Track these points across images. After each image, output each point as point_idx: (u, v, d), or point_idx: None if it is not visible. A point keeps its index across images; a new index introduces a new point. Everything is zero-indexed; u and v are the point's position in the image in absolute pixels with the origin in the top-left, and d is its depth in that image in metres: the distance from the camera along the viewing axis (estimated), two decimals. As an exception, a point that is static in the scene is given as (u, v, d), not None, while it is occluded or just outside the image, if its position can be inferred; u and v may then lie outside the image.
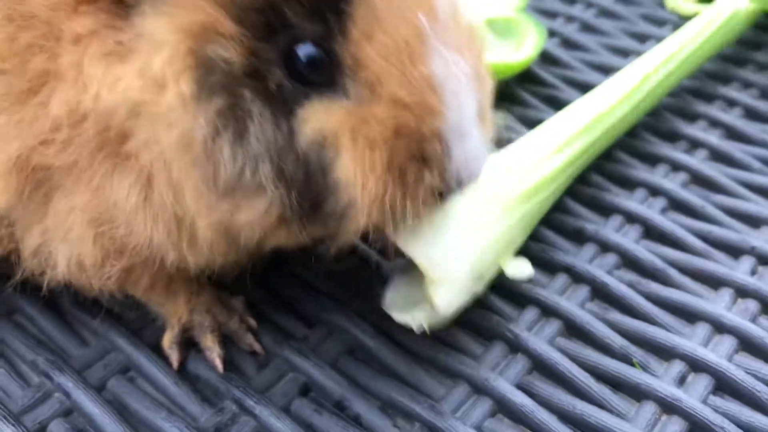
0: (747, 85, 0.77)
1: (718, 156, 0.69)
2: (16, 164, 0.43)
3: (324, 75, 0.40)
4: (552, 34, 0.82)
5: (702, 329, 0.55)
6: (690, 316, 0.56)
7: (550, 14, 0.86)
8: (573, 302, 0.56)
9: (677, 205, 0.64)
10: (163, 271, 0.47)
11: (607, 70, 0.78)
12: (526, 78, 0.76)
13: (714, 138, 0.70)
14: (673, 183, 0.66)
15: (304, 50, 0.40)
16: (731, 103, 0.74)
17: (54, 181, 0.44)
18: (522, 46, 0.75)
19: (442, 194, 0.42)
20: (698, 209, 0.64)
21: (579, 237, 0.62)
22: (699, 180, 0.67)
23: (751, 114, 0.74)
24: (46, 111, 0.42)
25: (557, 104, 0.74)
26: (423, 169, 0.41)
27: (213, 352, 0.52)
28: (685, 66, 0.71)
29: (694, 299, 0.57)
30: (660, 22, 0.85)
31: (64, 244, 0.45)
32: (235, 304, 0.54)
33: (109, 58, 0.40)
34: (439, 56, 0.40)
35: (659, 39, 0.81)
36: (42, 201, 0.45)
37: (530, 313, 0.56)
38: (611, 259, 0.60)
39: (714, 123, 0.72)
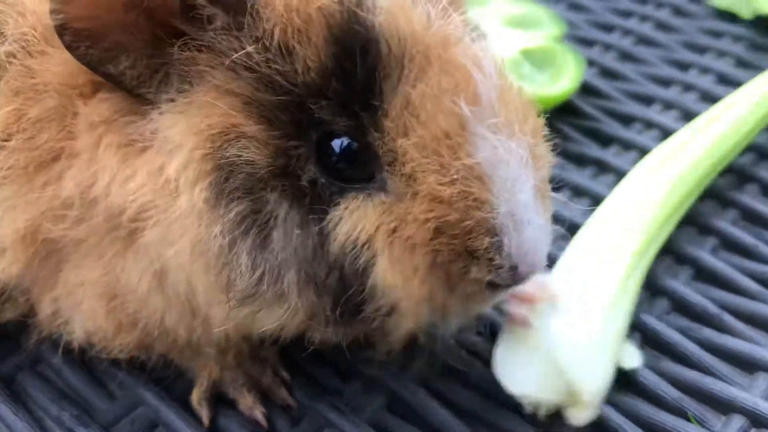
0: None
1: (770, 191, 0.66)
2: (24, 236, 0.41)
3: (361, 168, 0.37)
4: (590, 63, 0.79)
5: (762, 380, 0.52)
6: (748, 365, 0.53)
7: (587, 43, 0.83)
8: (623, 351, 0.53)
9: (729, 244, 0.61)
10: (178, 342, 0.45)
11: (648, 101, 0.75)
12: (565, 110, 0.73)
13: (765, 171, 0.67)
14: (723, 221, 0.62)
15: (340, 143, 0.37)
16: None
17: (63, 254, 0.42)
18: (560, 78, 0.72)
19: (494, 286, 0.39)
20: (751, 248, 0.60)
21: (626, 280, 0.58)
22: (751, 216, 0.63)
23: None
24: (57, 186, 0.39)
25: (598, 137, 0.71)
26: (470, 264, 0.37)
27: (255, 410, 0.49)
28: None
29: (751, 347, 0.53)
30: (701, 49, 0.82)
31: (77, 315, 0.44)
32: (268, 355, 0.51)
33: (125, 150, 0.38)
34: (485, 142, 0.37)
35: (701, 67, 0.79)
36: (53, 271, 0.43)
37: (578, 363, 0.53)
38: (662, 303, 0.57)
39: (764, 155, 0.69)
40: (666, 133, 0.70)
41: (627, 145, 0.70)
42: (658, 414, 0.50)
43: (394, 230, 0.37)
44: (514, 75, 0.71)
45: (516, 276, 0.38)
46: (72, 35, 0.36)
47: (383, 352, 0.43)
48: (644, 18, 0.87)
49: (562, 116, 0.72)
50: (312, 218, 0.37)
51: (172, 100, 0.37)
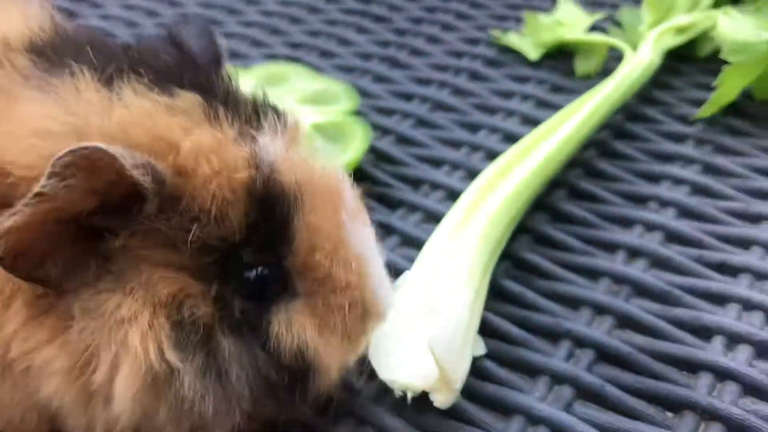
0: (588, 144, 0.78)
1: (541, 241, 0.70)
2: None
3: (277, 287, 0.45)
4: (388, 131, 0.83)
5: (542, 384, 0.57)
6: (505, 409, 0.56)
7: (388, 112, 0.87)
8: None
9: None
10: None
11: (438, 163, 0.79)
12: (358, 178, 0.75)
13: (557, 198, 0.72)
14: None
15: (256, 272, 0.44)
16: (572, 164, 0.76)
17: None
18: (348, 149, 0.76)
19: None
20: (518, 296, 0.64)
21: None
22: (521, 265, 0.67)
23: (592, 172, 0.76)
24: None
25: (388, 201, 0.75)
26: (368, 320, 0.49)
27: None
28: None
29: (510, 392, 0.56)
30: (492, 111, 0.87)
31: None
32: None
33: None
34: (357, 234, 0.48)
35: (489, 127, 0.84)
36: None
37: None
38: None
39: (557, 184, 0.73)
40: (451, 193, 0.74)
41: (413, 208, 0.73)
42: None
43: (322, 320, 0.46)
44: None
45: (387, 313, 0.50)
46: (11, 259, 0.40)
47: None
48: (442, 84, 0.92)
49: (354, 184, 0.75)
50: (256, 339, 0.45)
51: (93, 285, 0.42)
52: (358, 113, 0.83)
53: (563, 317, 0.62)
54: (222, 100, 0.45)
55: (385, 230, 0.71)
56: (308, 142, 0.50)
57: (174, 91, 0.43)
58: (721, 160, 0.77)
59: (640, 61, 0.84)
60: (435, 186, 0.76)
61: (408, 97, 0.90)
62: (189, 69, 0.46)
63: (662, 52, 0.87)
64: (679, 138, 0.81)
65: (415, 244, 0.69)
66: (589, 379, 0.57)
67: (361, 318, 0.48)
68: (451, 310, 0.56)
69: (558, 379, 0.57)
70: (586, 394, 0.57)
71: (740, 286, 0.63)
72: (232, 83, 0.48)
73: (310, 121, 0.78)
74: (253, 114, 0.46)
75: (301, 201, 0.45)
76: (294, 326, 0.45)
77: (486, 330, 0.61)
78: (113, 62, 0.44)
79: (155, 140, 0.42)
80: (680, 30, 0.91)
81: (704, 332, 0.60)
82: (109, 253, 0.42)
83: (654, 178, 0.76)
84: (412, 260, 0.64)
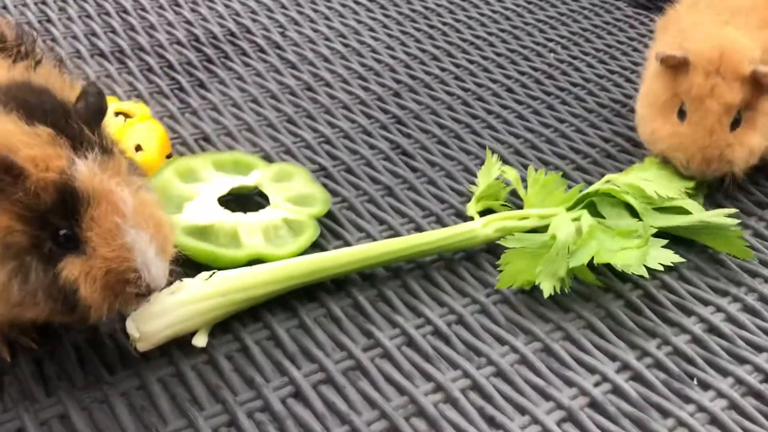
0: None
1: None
2: None
3: (72, 244, 0.71)
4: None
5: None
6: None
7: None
8: None
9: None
10: None
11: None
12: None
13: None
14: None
15: (62, 233, 0.71)
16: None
17: None
18: (296, 243, 1.06)
19: (140, 295, 0.74)
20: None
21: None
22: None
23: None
24: None
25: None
26: (126, 285, 0.72)
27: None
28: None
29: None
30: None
31: None
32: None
33: None
34: (128, 232, 0.72)
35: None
36: None
37: None
38: None
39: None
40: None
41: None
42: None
43: (87, 272, 0.71)
44: (274, 236, 1.09)
45: (150, 288, 0.74)
46: None
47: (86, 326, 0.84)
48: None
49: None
50: (50, 269, 0.71)
51: None
52: (327, 216, 1.14)
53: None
54: (67, 136, 0.70)
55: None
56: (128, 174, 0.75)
57: (35, 123, 0.70)
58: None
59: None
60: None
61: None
62: (57, 114, 0.71)
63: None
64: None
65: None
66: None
67: (120, 282, 0.71)
68: (163, 301, 0.83)
69: None
70: None
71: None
72: (88, 131, 0.72)
73: (284, 216, 1.10)
74: (84, 149, 0.71)
75: (88, 200, 0.70)
76: (70, 268, 0.70)
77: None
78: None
79: (10, 147, 0.68)
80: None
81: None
82: None
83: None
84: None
